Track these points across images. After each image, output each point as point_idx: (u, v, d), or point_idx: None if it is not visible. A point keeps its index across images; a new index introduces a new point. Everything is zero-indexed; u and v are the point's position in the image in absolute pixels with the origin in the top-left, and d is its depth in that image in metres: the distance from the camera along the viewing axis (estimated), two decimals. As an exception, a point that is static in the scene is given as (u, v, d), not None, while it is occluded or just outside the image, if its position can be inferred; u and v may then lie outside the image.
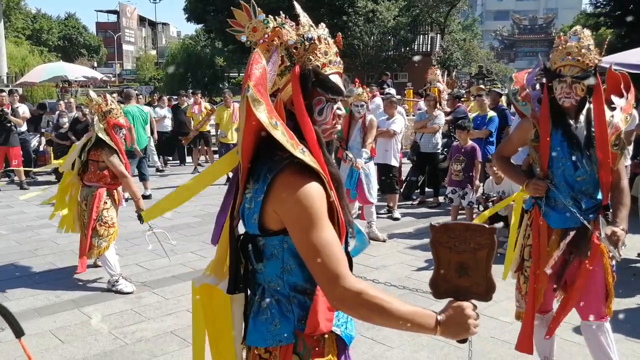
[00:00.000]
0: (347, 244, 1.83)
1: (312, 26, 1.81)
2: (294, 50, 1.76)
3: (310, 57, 1.76)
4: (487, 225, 1.77)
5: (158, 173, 13.45)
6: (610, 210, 3.29)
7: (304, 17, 1.82)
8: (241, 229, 1.86)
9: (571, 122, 3.24)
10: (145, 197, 9.73)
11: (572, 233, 3.27)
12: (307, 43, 1.76)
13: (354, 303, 1.62)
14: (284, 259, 1.74)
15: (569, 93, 3.15)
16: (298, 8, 1.84)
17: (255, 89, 1.62)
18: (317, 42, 1.77)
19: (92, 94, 5.93)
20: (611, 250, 3.10)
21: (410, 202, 9.70)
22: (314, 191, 1.66)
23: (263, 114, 1.62)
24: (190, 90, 15.65)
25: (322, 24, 1.86)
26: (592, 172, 3.24)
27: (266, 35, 1.75)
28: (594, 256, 3.23)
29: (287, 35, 1.76)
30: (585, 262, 3.23)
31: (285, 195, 1.65)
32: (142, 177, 10.49)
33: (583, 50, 3.11)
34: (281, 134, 1.63)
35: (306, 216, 1.63)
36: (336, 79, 1.81)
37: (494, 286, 1.78)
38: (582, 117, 3.26)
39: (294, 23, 1.81)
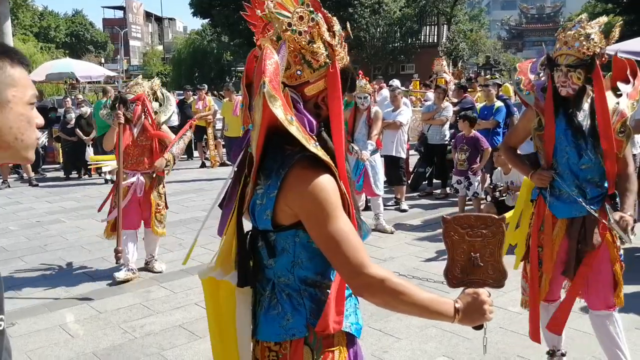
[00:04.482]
0: None
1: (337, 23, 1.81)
2: (333, 49, 1.74)
3: (343, 55, 1.78)
4: (496, 216, 1.83)
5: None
6: (618, 199, 3.27)
7: (329, 13, 1.80)
8: (247, 225, 1.85)
9: (575, 110, 3.21)
10: None
11: (576, 223, 3.27)
12: (343, 42, 1.78)
13: (379, 290, 1.65)
14: (295, 252, 1.74)
15: (564, 82, 3.13)
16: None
17: (270, 85, 1.61)
18: (343, 41, 1.79)
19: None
20: (621, 234, 3.08)
21: (417, 194, 9.68)
22: (327, 184, 1.66)
23: (279, 109, 1.61)
24: (196, 86, 15.68)
25: (335, 19, 1.83)
26: (597, 160, 3.20)
27: (309, 27, 1.71)
28: (600, 246, 3.22)
29: (323, 29, 1.73)
30: (590, 252, 3.22)
31: (300, 190, 1.65)
32: None
33: (581, 39, 3.08)
34: (296, 129, 1.63)
35: (322, 209, 1.64)
36: None
37: (506, 273, 1.84)
38: (586, 106, 3.24)
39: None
